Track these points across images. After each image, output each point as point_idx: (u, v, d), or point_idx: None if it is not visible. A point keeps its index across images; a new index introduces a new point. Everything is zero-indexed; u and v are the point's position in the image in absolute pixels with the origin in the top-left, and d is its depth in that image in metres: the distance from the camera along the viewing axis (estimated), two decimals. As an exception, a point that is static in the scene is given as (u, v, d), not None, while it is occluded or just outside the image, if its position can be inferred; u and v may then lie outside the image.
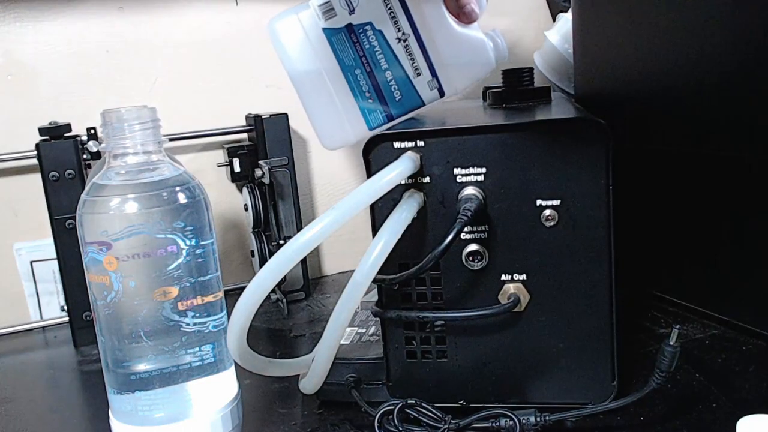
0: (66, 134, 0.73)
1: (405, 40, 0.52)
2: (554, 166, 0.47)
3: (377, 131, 0.52)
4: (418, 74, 0.53)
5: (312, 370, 0.51)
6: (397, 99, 0.53)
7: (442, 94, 0.54)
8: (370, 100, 0.53)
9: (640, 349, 0.60)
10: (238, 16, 0.86)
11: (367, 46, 0.52)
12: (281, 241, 0.80)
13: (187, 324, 0.47)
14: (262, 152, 0.81)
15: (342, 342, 0.55)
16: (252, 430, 0.53)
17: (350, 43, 0.52)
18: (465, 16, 0.53)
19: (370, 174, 0.49)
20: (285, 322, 0.77)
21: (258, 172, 0.80)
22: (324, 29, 0.52)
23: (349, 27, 0.52)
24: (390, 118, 0.54)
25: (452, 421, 0.47)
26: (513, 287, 0.49)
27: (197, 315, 0.47)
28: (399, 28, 0.52)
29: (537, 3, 0.99)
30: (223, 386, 0.50)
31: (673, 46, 0.64)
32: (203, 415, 0.48)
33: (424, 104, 0.54)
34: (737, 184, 0.60)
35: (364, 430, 0.51)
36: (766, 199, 0.58)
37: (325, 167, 0.92)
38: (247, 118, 0.86)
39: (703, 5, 0.60)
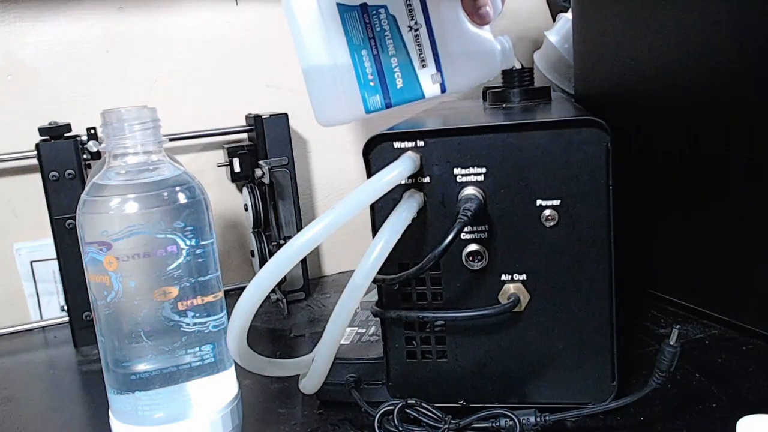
0: (66, 134, 0.73)
1: (416, 30, 0.52)
2: (554, 166, 0.47)
3: (378, 131, 0.52)
4: (424, 66, 0.53)
5: (312, 370, 0.51)
6: (398, 87, 0.53)
7: (443, 89, 0.54)
8: (371, 83, 0.53)
9: (640, 349, 0.60)
10: (238, 16, 0.86)
11: (378, 29, 0.52)
12: (281, 241, 0.80)
13: (187, 324, 0.47)
14: (262, 152, 0.81)
15: (342, 342, 0.55)
16: (252, 430, 0.53)
17: (361, 23, 0.52)
18: (479, 17, 0.53)
19: (370, 174, 0.49)
20: (285, 322, 0.77)
21: (258, 172, 0.80)
22: (338, 4, 0.52)
23: (364, 6, 0.52)
24: (388, 106, 0.54)
25: (452, 421, 0.47)
26: (513, 287, 0.49)
27: (197, 315, 0.47)
28: (412, 17, 0.52)
29: (537, 3, 0.99)
30: (223, 386, 0.50)
31: (673, 45, 0.64)
32: (203, 415, 0.48)
33: (424, 97, 0.54)
34: (737, 184, 0.60)
35: (364, 430, 0.51)
36: (767, 199, 0.58)
37: (325, 167, 0.92)
38: (247, 118, 0.86)
39: (703, 5, 0.60)
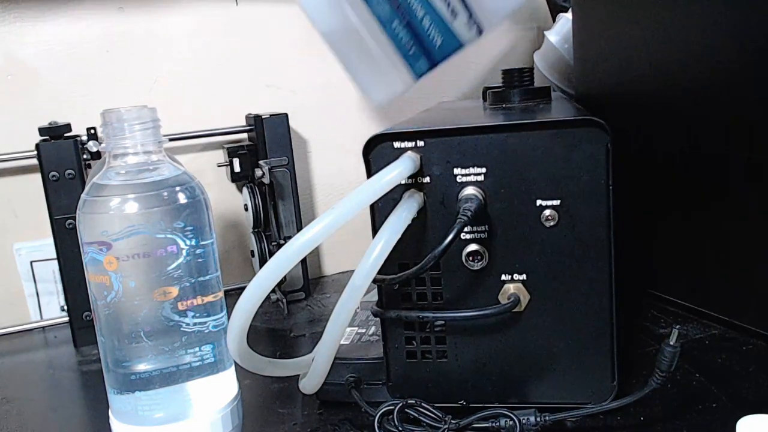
0: (66, 134, 0.73)
1: None
2: (554, 166, 0.47)
3: (378, 131, 0.52)
4: (455, 16, 0.52)
5: (312, 370, 0.51)
6: (437, 45, 0.53)
7: (480, 32, 0.53)
8: (411, 51, 0.53)
9: (640, 349, 0.60)
10: (238, 16, 0.86)
11: None
12: (281, 241, 0.80)
13: (187, 324, 0.47)
14: (262, 152, 0.81)
15: (342, 342, 0.55)
16: (252, 430, 0.53)
17: None
18: None
19: (369, 174, 0.49)
20: (285, 322, 0.77)
21: (258, 172, 0.80)
22: None
23: None
24: (434, 65, 0.54)
25: (452, 421, 0.47)
26: (513, 287, 0.49)
27: (197, 315, 0.47)
28: None
29: (537, 3, 0.99)
30: (223, 386, 0.50)
31: (673, 45, 0.64)
32: (203, 415, 0.48)
33: (464, 45, 0.54)
34: (737, 184, 0.60)
35: (364, 430, 0.51)
36: (767, 199, 0.58)
37: (325, 167, 0.92)
38: (247, 118, 0.86)
39: (703, 5, 0.60)
